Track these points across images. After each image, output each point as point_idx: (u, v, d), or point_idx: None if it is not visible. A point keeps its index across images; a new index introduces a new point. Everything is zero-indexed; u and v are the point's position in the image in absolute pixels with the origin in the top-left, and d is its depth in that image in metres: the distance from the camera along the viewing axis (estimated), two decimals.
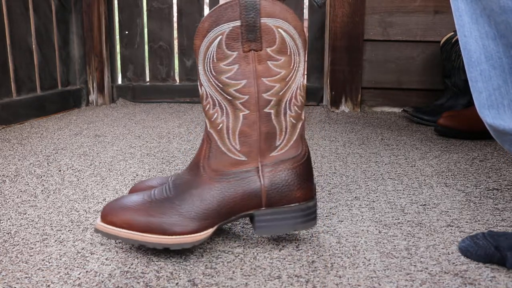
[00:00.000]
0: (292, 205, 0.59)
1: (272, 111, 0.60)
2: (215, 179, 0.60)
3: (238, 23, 0.58)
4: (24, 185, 0.95)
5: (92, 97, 2.01)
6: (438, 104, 1.63)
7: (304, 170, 0.61)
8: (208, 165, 0.60)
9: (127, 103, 2.05)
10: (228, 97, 0.59)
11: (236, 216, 0.61)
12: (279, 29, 0.59)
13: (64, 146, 1.27)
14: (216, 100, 0.60)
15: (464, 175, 1.01)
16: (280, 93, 0.60)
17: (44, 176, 1.01)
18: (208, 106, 0.61)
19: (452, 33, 1.62)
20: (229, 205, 0.60)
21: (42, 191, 0.92)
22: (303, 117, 0.63)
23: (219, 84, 0.59)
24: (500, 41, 0.55)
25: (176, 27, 2.05)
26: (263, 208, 0.60)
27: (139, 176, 1.01)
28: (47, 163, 1.11)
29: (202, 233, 0.60)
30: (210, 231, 0.60)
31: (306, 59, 0.63)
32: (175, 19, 2.05)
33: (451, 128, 1.37)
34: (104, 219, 0.62)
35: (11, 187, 0.94)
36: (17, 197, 0.88)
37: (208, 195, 0.60)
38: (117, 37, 2.08)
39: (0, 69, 1.53)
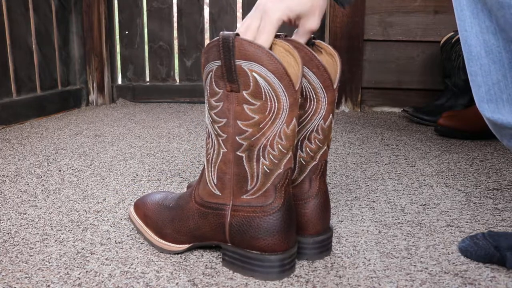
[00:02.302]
0: (254, 252, 0.59)
1: (243, 155, 0.58)
2: (198, 204, 0.63)
3: (219, 62, 0.57)
4: (24, 185, 0.95)
5: (92, 97, 2.01)
6: (438, 104, 1.63)
7: (272, 222, 0.58)
8: (197, 190, 0.64)
9: (127, 103, 2.05)
10: (215, 132, 0.60)
11: (208, 242, 0.64)
12: (253, 73, 0.55)
13: (64, 146, 1.27)
14: (209, 132, 0.61)
15: (464, 175, 1.01)
16: (253, 139, 0.57)
17: (44, 176, 1.01)
18: (206, 135, 0.62)
19: (452, 33, 1.62)
20: (201, 230, 0.63)
21: (42, 191, 0.92)
22: (282, 167, 0.58)
23: (210, 118, 0.60)
24: (500, 35, 0.55)
25: (176, 27, 2.05)
26: (229, 244, 0.61)
27: (139, 176, 1.01)
28: (47, 163, 1.11)
29: (177, 245, 0.65)
30: (184, 246, 0.65)
31: (297, 106, 0.58)
32: (175, 19, 2.05)
33: (451, 128, 1.37)
34: (134, 207, 0.73)
35: (11, 187, 0.94)
36: (17, 197, 0.88)
37: (188, 216, 0.64)
38: (117, 37, 2.08)
39: (0, 69, 1.53)
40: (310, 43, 0.64)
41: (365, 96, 1.86)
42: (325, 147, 0.64)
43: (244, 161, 0.58)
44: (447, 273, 0.60)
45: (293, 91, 0.56)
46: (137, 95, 2.08)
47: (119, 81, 2.13)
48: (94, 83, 1.99)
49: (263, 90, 0.56)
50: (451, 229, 0.73)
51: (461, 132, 1.35)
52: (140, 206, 0.71)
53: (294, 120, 0.57)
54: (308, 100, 0.62)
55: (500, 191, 0.91)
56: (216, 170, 0.61)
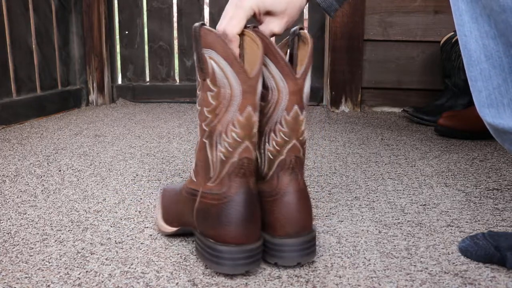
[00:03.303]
0: (210, 240, 0.59)
1: (206, 141, 0.59)
2: (184, 190, 0.65)
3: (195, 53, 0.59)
4: (24, 185, 0.95)
5: (92, 97, 2.01)
6: (438, 104, 1.63)
7: (220, 212, 0.57)
8: (189, 177, 0.66)
9: (127, 103, 2.05)
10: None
11: (189, 227, 0.66)
12: (211, 60, 0.57)
13: (64, 146, 1.27)
14: None
15: (464, 175, 1.01)
16: (211, 125, 0.58)
17: (44, 176, 1.01)
18: None
19: (452, 33, 1.62)
20: (184, 215, 0.65)
21: (42, 191, 0.92)
22: (237, 156, 0.58)
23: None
24: (500, 40, 0.55)
25: (176, 27, 2.05)
26: (197, 230, 0.62)
27: (139, 176, 1.01)
28: (47, 163, 1.11)
29: (168, 227, 0.69)
30: (174, 229, 0.68)
31: (248, 92, 0.58)
32: (175, 19, 2.05)
33: (451, 128, 1.37)
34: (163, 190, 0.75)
35: (11, 187, 0.94)
36: (17, 197, 0.88)
37: (179, 200, 0.66)
38: (117, 37, 2.08)
39: (0, 69, 1.53)
40: (296, 33, 0.63)
41: (365, 96, 1.86)
42: (294, 141, 0.60)
43: (207, 147, 0.60)
44: (447, 273, 0.60)
45: (245, 77, 0.56)
46: (137, 95, 2.08)
47: (119, 81, 2.13)
48: (94, 83, 1.99)
49: (217, 76, 0.57)
50: (451, 229, 0.73)
51: (461, 132, 1.35)
52: (167, 189, 0.74)
53: (249, 108, 0.57)
54: (270, 90, 0.60)
55: (500, 191, 0.91)
56: (195, 157, 0.63)
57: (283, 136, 0.60)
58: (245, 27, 0.61)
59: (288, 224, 0.60)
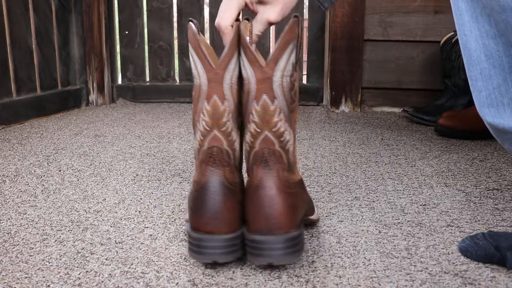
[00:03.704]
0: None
1: (193, 130, 0.63)
2: None
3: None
4: (24, 185, 0.95)
5: (92, 97, 2.01)
6: (438, 104, 1.63)
7: (193, 199, 0.59)
8: None
9: (127, 103, 2.05)
10: None
11: None
12: (190, 54, 0.60)
13: (64, 146, 1.27)
14: None
15: (464, 175, 1.01)
16: (193, 115, 0.62)
17: (44, 176, 1.01)
18: None
19: (452, 33, 1.62)
20: None
21: (42, 191, 0.92)
22: (206, 144, 0.59)
23: None
24: (500, 40, 0.55)
25: (176, 27, 2.05)
26: None
27: (139, 176, 1.01)
28: (47, 163, 1.11)
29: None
30: None
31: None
32: (175, 19, 2.05)
33: (451, 128, 1.37)
34: None
35: (11, 187, 0.94)
36: (17, 197, 0.88)
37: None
38: (117, 37, 2.08)
39: (0, 69, 1.53)
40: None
41: (365, 96, 1.86)
42: (266, 133, 0.58)
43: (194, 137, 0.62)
44: (447, 273, 0.60)
45: (209, 67, 0.57)
46: (137, 95, 2.08)
47: (119, 81, 2.13)
48: (94, 83, 1.99)
49: (192, 68, 0.60)
50: (451, 229, 0.73)
51: (461, 132, 1.35)
52: None
53: (215, 97, 0.58)
54: (244, 80, 0.60)
55: (500, 191, 0.91)
56: None
57: (255, 127, 0.59)
58: (244, 19, 0.63)
59: (258, 220, 0.58)
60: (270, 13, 0.62)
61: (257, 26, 0.63)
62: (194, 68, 0.59)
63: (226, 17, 0.61)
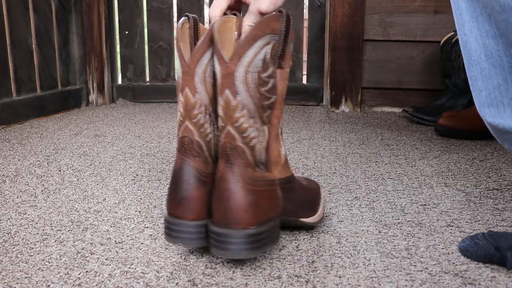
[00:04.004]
0: None
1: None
2: None
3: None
4: (24, 185, 0.95)
5: (92, 97, 2.01)
6: (438, 104, 1.63)
7: (169, 184, 0.63)
8: None
9: (127, 103, 2.05)
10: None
11: None
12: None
13: (64, 146, 1.27)
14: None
15: (464, 175, 1.01)
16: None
17: (44, 176, 1.01)
18: None
19: (452, 33, 1.62)
20: None
21: (42, 191, 0.92)
22: (180, 134, 0.64)
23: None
24: (500, 39, 0.55)
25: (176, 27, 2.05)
26: None
27: (139, 176, 1.01)
28: (47, 163, 1.11)
29: None
30: None
31: None
32: (175, 19, 2.06)
33: (451, 128, 1.37)
34: None
35: (11, 187, 0.94)
36: (17, 197, 0.88)
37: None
38: (117, 37, 2.08)
39: (0, 69, 1.53)
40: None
41: (365, 96, 1.86)
42: (228, 128, 0.58)
43: None
44: (447, 273, 0.60)
45: (183, 61, 0.61)
46: (137, 95, 2.08)
47: (119, 81, 2.13)
48: (94, 83, 1.99)
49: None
50: (451, 229, 0.73)
51: (461, 132, 1.35)
52: None
53: (187, 89, 0.61)
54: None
55: (500, 191, 0.91)
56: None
57: (220, 121, 0.60)
58: (231, 14, 0.63)
59: (217, 212, 0.59)
60: (261, 2, 0.62)
61: (250, 17, 0.62)
62: (177, 62, 0.64)
63: (215, 7, 0.63)
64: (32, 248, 0.67)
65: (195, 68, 0.60)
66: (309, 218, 0.70)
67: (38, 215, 0.79)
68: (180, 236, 0.61)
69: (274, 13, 0.59)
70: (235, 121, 0.58)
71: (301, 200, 0.68)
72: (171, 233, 0.61)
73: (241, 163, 0.59)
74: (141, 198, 0.87)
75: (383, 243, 0.69)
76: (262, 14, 0.62)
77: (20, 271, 0.61)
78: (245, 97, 0.58)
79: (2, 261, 0.63)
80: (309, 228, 0.73)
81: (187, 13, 0.62)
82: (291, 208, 0.66)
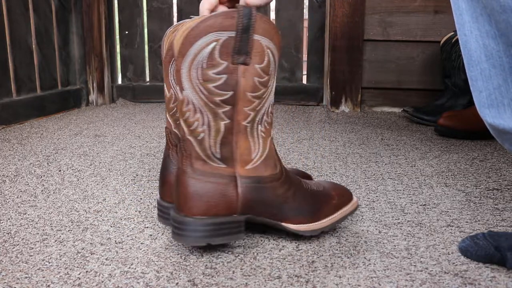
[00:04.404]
0: None
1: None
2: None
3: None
4: (24, 185, 0.95)
5: (92, 97, 2.01)
6: (438, 104, 1.63)
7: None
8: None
9: (127, 103, 2.05)
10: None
11: None
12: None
13: (64, 146, 1.27)
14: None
15: (464, 175, 1.01)
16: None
17: (44, 176, 1.01)
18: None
19: (452, 33, 1.62)
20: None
21: (42, 191, 0.92)
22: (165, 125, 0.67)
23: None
24: (500, 40, 0.55)
25: None
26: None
27: (139, 176, 1.01)
28: (47, 163, 1.11)
29: None
30: None
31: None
32: (175, 19, 2.06)
33: (451, 128, 1.37)
34: None
35: (11, 187, 0.94)
36: (17, 197, 0.88)
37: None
38: (117, 37, 2.08)
39: (0, 69, 1.53)
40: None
41: (365, 96, 1.86)
42: (181, 121, 0.61)
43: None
44: (447, 273, 0.60)
45: (163, 60, 0.66)
46: (137, 95, 2.08)
47: (119, 81, 2.13)
48: (94, 83, 1.99)
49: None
50: (451, 229, 0.73)
51: (461, 132, 1.35)
52: None
53: (165, 85, 0.69)
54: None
55: (500, 191, 0.91)
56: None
57: (178, 114, 0.64)
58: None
59: (172, 195, 0.67)
60: None
61: None
62: None
63: (205, 2, 0.65)
64: (32, 248, 0.67)
65: (169, 66, 0.67)
66: (296, 225, 0.66)
67: (38, 215, 0.79)
68: (162, 216, 0.71)
69: (228, 9, 0.60)
70: (183, 115, 0.61)
71: (288, 203, 0.65)
72: (159, 213, 0.71)
73: (190, 155, 0.61)
74: (141, 198, 0.87)
75: (383, 243, 0.69)
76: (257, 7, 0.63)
77: (20, 271, 0.61)
78: (189, 92, 0.59)
79: (2, 261, 0.63)
80: (295, 235, 0.69)
81: (191, 15, 0.63)
82: (270, 210, 0.64)
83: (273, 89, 0.65)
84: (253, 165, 0.63)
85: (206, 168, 0.61)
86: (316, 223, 0.67)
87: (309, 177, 0.85)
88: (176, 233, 0.62)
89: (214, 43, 0.58)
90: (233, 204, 0.62)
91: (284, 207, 0.65)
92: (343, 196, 0.70)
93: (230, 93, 0.60)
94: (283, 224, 0.66)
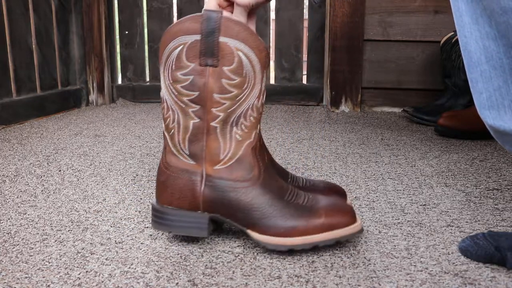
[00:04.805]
0: None
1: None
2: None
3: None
4: (24, 185, 0.95)
5: (92, 97, 2.01)
6: (438, 104, 1.63)
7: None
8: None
9: (127, 103, 2.05)
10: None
11: None
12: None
13: (64, 146, 1.27)
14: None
15: (464, 175, 1.01)
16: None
17: (44, 176, 1.01)
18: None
19: (452, 33, 1.62)
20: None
21: (42, 191, 0.92)
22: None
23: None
24: (500, 41, 0.55)
25: None
26: None
27: (139, 176, 1.01)
28: (47, 163, 1.11)
29: None
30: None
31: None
32: (175, 19, 2.05)
33: (451, 128, 1.37)
34: None
35: (11, 187, 0.94)
36: (17, 197, 0.88)
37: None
38: (117, 37, 2.08)
39: (0, 69, 1.53)
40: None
41: (365, 96, 1.86)
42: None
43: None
44: (447, 273, 0.60)
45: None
46: (137, 95, 2.08)
47: (119, 81, 2.13)
48: (94, 83, 1.99)
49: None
50: (451, 229, 0.73)
51: (461, 132, 1.35)
52: None
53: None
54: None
55: (500, 191, 0.91)
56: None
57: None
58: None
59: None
60: None
61: (236, 10, 0.64)
62: None
63: (207, 3, 0.66)
64: (32, 248, 0.67)
65: (160, 67, 0.68)
66: (261, 235, 0.63)
67: (38, 215, 0.79)
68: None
69: (195, 14, 0.61)
70: (162, 112, 0.66)
71: (258, 211, 0.63)
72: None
73: (165, 149, 0.66)
74: (141, 198, 0.87)
75: (383, 243, 0.69)
76: (241, 5, 0.63)
77: (20, 271, 0.61)
78: (164, 91, 0.64)
79: (2, 261, 0.63)
80: (260, 244, 0.64)
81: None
82: (235, 213, 0.63)
83: (257, 92, 0.63)
84: (221, 166, 0.63)
85: (178, 163, 0.64)
86: (286, 238, 0.62)
87: (339, 191, 0.74)
88: (152, 218, 0.68)
89: (182, 46, 0.61)
90: (197, 200, 0.64)
91: (252, 214, 0.62)
92: (336, 216, 0.63)
93: (196, 93, 0.62)
94: (248, 231, 0.64)
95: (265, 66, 0.62)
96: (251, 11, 0.67)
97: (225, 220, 0.65)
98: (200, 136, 0.63)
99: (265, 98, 2.00)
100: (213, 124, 0.62)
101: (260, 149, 0.65)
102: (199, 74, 0.61)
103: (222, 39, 0.60)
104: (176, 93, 0.62)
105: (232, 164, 0.63)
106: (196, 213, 0.65)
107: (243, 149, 0.63)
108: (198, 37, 0.60)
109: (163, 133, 0.66)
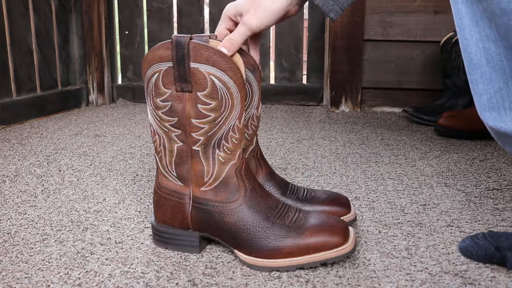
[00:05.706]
0: None
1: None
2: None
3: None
4: (24, 185, 0.95)
5: (92, 97, 2.01)
6: (438, 104, 1.63)
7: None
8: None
9: (127, 103, 2.05)
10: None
11: None
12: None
13: (64, 146, 1.27)
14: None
15: (464, 175, 1.01)
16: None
17: (44, 176, 1.01)
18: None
19: (452, 33, 1.62)
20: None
21: (42, 191, 0.92)
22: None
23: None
24: (500, 43, 0.55)
25: (176, 27, 2.05)
26: None
27: (139, 176, 1.01)
28: (47, 163, 1.11)
29: None
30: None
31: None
32: (175, 19, 2.05)
33: (451, 128, 1.37)
34: None
35: (11, 187, 0.94)
36: (17, 197, 0.88)
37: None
38: (117, 37, 2.08)
39: (0, 69, 1.53)
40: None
41: (365, 96, 1.86)
42: None
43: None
44: (447, 273, 0.60)
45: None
46: (137, 95, 2.08)
47: (119, 81, 2.13)
48: (94, 83, 1.99)
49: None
50: (451, 229, 0.73)
51: (461, 132, 1.35)
52: None
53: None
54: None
55: (500, 191, 0.91)
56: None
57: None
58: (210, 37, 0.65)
59: None
60: (249, 17, 0.63)
61: (234, 33, 0.63)
62: None
63: (218, 29, 0.69)
64: (32, 248, 0.67)
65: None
66: (247, 256, 0.62)
67: (38, 215, 0.79)
68: None
69: (164, 41, 0.61)
70: (151, 136, 0.67)
71: (243, 233, 0.62)
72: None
73: (156, 169, 0.68)
74: (141, 198, 0.87)
75: (383, 243, 0.69)
76: (249, 29, 0.64)
77: (20, 271, 0.61)
78: (150, 117, 0.66)
79: (2, 261, 0.63)
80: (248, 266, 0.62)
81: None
82: (221, 234, 0.63)
83: (237, 113, 0.61)
84: (206, 188, 0.64)
85: (169, 184, 0.66)
86: (270, 260, 0.61)
87: (342, 201, 0.73)
88: (152, 235, 0.70)
89: (157, 73, 0.61)
90: (186, 220, 0.66)
91: (238, 235, 0.62)
92: (324, 236, 0.61)
93: (175, 119, 0.62)
94: (235, 251, 0.63)
95: (243, 85, 0.60)
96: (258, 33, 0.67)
97: (215, 239, 0.65)
98: (185, 159, 0.64)
99: (265, 99, 2.00)
100: (194, 148, 0.63)
101: (246, 169, 0.64)
102: (176, 100, 0.61)
103: (193, 65, 0.59)
104: (159, 119, 0.63)
105: (217, 186, 0.63)
106: (188, 231, 0.66)
107: (227, 171, 0.63)
108: (171, 64, 0.60)
109: (154, 156, 0.67)
